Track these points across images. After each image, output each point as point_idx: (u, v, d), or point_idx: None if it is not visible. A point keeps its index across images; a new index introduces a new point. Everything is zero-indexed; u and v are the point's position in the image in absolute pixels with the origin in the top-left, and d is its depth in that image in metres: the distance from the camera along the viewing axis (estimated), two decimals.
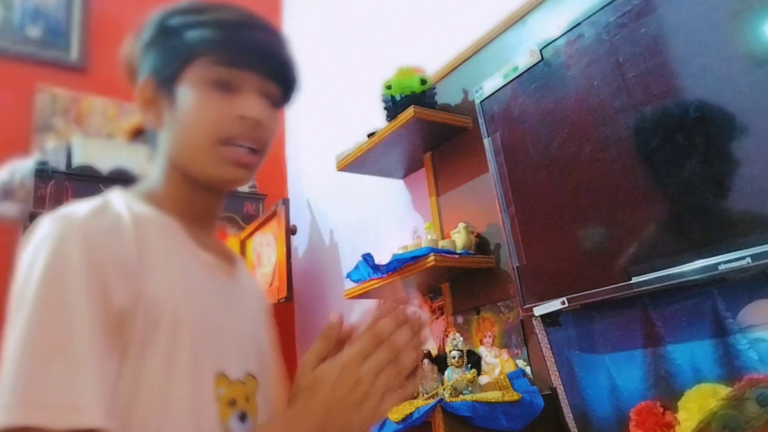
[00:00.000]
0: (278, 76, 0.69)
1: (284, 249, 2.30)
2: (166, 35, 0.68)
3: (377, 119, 1.93)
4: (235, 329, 0.68)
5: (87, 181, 2.12)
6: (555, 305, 1.32)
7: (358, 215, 2.42)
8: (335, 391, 0.57)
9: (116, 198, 0.66)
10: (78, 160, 2.19)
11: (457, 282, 1.82)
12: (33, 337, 0.51)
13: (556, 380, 1.43)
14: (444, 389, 1.49)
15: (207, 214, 0.72)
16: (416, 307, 0.65)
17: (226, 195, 0.73)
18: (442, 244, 1.69)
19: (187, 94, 0.65)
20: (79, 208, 0.61)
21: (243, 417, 0.63)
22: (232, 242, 2.56)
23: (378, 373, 0.58)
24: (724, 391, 1.07)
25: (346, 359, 0.58)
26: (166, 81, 0.67)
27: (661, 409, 1.18)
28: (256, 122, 0.65)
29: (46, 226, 0.58)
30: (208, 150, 0.65)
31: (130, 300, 0.56)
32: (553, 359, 1.44)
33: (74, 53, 2.66)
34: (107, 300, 0.54)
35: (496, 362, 1.59)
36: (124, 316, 0.55)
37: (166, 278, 0.60)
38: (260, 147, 0.68)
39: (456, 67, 1.91)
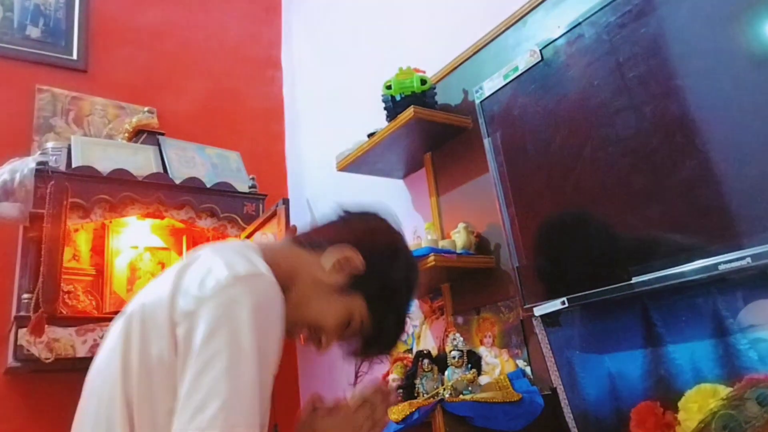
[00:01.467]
0: (367, 353, 0.91)
1: None
2: (396, 288, 0.85)
3: (377, 119, 1.93)
4: None
5: (87, 181, 2.11)
6: (555, 305, 1.32)
7: None
8: None
9: (261, 262, 0.75)
10: (78, 160, 2.19)
11: (457, 282, 1.82)
12: (245, 376, 0.62)
13: (556, 380, 1.43)
14: (444, 389, 1.49)
15: None
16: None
17: None
18: (442, 244, 1.69)
19: (346, 302, 0.81)
20: (261, 269, 0.71)
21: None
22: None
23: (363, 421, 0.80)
24: (724, 391, 1.07)
25: (350, 415, 0.80)
26: (358, 285, 0.81)
27: (661, 409, 1.18)
28: (320, 350, 0.84)
29: (241, 280, 0.67)
30: (299, 320, 0.80)
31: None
32: (553, 359, 1.44)
33: (74, 53, 2.66)
34: (275, 358, 0.67)
35: (496, 362, 1.59)
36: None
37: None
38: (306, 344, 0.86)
39: (456, 67, 1.91)
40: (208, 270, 0.69)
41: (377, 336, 0.84)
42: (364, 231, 0.86)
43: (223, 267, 0.68)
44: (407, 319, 0.91)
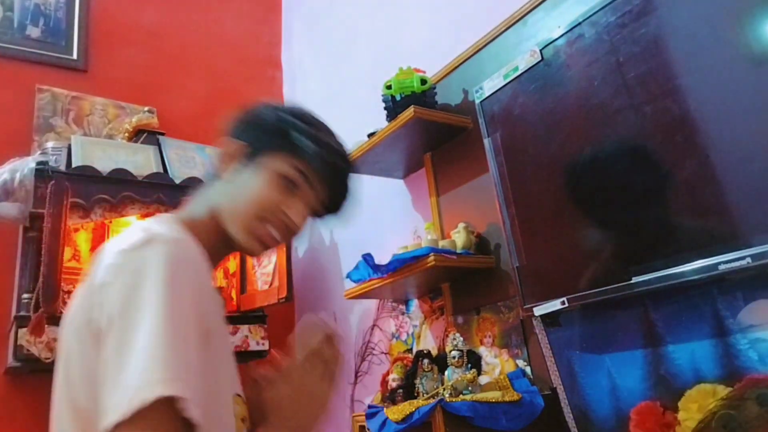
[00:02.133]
0: (330, 210, 0.85)
1: (284, 249, 2.30)
2: (285, 124, 0.80)
3: (377, 119, 1.93)
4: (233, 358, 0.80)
5: (87, 181, 2.11)
6: (555, 305, 1.32)
7: (358, 215, 2.41)
8: (298, 404, 0.74)
9: (178, 227, 0.74)
10: (78, 160, 2.19)
11: (457, 282, 1.82)
12: (168, 333, 0.58)
13: (556, 380, 1.43)
14: (444, 389, 1.49)
15: (220, 260, 0.83)
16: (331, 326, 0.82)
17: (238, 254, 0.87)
18: (442, 244, 1.69)
19: (260, 172, 0.78)
20: (168, 230, 0.70)
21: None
22: None
23: (321, 381, 0.77)
24: (724, 391, 1.07)
25: (300, 377, 0.76)
26: (256, 153, 0.80)
27: (661, 409, 1.18)
28: (295, 229, 0.80)
29: (149, 244, 0.64)
30: (247, 220, 0.77)
31: (208, 323, 0.67)
32: (553, 359, 1.44)
33: (74, 53, 2.66)
34: (203, 318, 0.64)
35: (496, 362, 1.59)
36: (207, 335, 0.65)
37: (213, 308, 0.72)
38: (285, 240, 0.82)
39: (456, 67, 1.91)
40: (103, 256, 0.67)
41: (324, 173, 0.80)
42: (234, 121, 0.85)
43: (117, 244, 0.66)
44: (343, 151, 0.84)
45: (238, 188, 0.79)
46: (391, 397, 1.64)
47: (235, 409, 0.73)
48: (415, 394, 1.57)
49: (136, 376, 0.55)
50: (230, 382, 0.75)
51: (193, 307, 0.63)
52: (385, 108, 1.86)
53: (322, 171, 0.80)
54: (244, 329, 2.36)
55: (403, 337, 2.03)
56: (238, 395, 0.76)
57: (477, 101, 1.60)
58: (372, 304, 2.21)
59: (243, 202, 0.78)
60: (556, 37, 1.38)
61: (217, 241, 0.79)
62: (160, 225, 0.71)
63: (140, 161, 2.34)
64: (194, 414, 0.56)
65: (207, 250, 0.74)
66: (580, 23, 1.32)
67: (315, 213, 0.84)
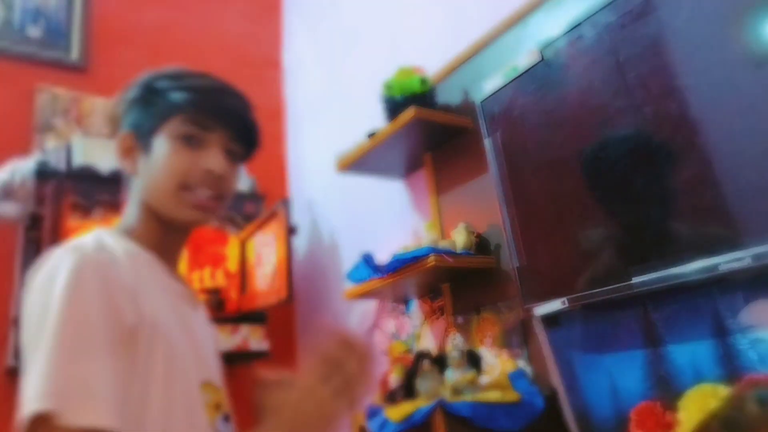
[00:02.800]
0: (242, 137, 0.81)
1: (284, 249, 2.30)
2: (149, 94, 0.79)
3: (377, 119, 1.93)
4: (207, 346, 0.81)
5: (87, 181, 2.11)
6: (555, 305, 1.32)
7: (359, 215, 2.42)
8: (300, 411, 0.67)
9: (104, 236, 0.76)
10: (78, 160, 2.19)
11: (457, 282, 1.82)
12: (60, 346, 0.59)
13: (556, 380, 1.43)
14: (444, 389, 1.49)
15: (174, 249, 0.83)
16: (365, 340, 0.76)
17: (190, 233, 0.84)
18: (442, 244, 1.69)
19: (161, 146, 0.77)
20: (85, 242, 0.70)
21: (227, 418, 0.75)
22: (233, 242, 2.56)
23: (334, 396, 0.68)
24: (724, 391, 1.07)
25: (309, 384, 0.68)
26: (144, 134, 0.79)
27: (661, 409, 1.18)
28: (219, 176, 0.77)
29: (61, 256, 0.66)
30: (173, 194, 0.76)
31: (136, 319, 0.66)
32: (553, 359, 1.44)
33: (74, 53, 2.66)
34: (119, 320, 0.64)
35: (496, 362, 1.59)
36: (134, 333, 0.65)
37: (157, 303, 0.71)
38: (221, 196, 0.79)
39: (456, 68, 1.91)
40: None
41: (210, 109, 0.78)
42: (113, 117, 0.87)
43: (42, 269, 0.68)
44: (209, 78, 0.82)
45: (150, 173, 0.78)
46: (391, 398, 1.64)
47: (205, 397, 0.73)
48: (415, 395, 1.57)
49: (26, 391, 0.59)
50: (194, 371, 0.73)
51: (101, 314, 0.62)
52: (385, 108, 1.86)
53: (207, 108, 0.78)
54: (244, 329, 2.36)
55: (403, 337, 2.03)
56: (208, 383, 0.75)
57: (477, 101, 1.60)
58: (372, 304, 2.21)
59: (160, 181, 0.76)
60: (557, 37, 1.38)
61: (161, 234, 0.79)
62: (86, 237, 0.73)
63: None
64: (83, 423, 0.56)
65: (155, 247, 0.78)
66: (580, 24, 1.32)
67: (235, 151, 0.81)
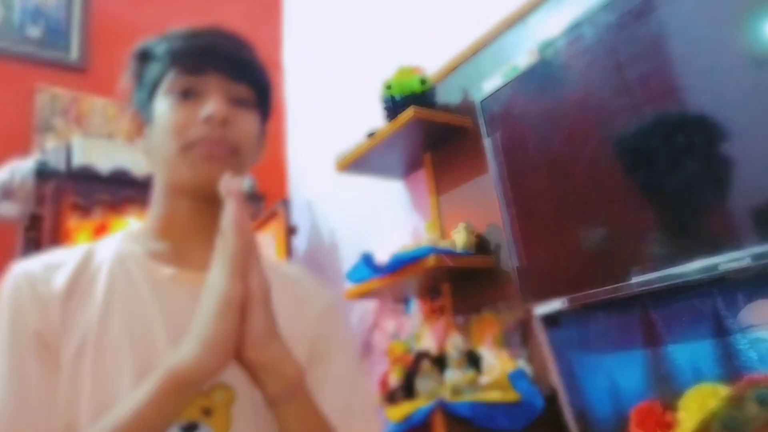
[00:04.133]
0: (241, 77, 0.71)
1: (284, 249, 2.30)
2: (139, 62, 0.74)
3: (377, 119, 1.93)
4: None
5: (87, 181, 2.11)
6: (555, 305, 1.32)
7: (358, 215, 2.42)
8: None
9: (100, 242, 0.73)
10: (78, 160, 2.19)
11: (457, 282, 1.82)
12: None
13: (556, 380, 1.43)
14: (444, 389, 1.49)
15: (200, 225, 0.72)
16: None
17: (216, 202, 0.66)
18: (443, 244, 1.69)
19: (158, 108, 0.69)
20: (36, 258, 0.69)
21: (191, 428, 0.63)
22: None
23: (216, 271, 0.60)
24: (724, 391, 1.07)
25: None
26: (144, 105, 0.71)
27: (661, 409, 1.18)
28: (221, 121, 0.66)
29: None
30: (178, 155, 0.67)
31: (48, 325, 0.62)
32: (553, 359, 1.44)
33: (74, 53, 2.66)
34: (23, 329, 0.62)
35: (496, 362, 1.59)
36: (48, 341, 0.62)
37: (100, 307, 0.65)
38: (232, 146, 0.68)
39: (456, 67, 1.91)
40: None
41: (197, 56, 0.70)
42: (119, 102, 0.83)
43: None
44: (189, 29, 0.75)
45: (154, 141, 0.70)
46: (390, 398, 1.64)
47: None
48: (415, 395, 1.57)
49: None
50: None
51: (7, 328, 0.62)
52: (385, 108, 1.86)
53: (194, 52, 0.69)
54: None
55: (403, 337, 2.03)
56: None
57: (477, 101, 1.60)
58: (372, 304, 2.21)
59: (163, 145, 0.68)
60: (556, 37, 1.38)
61: (180, 210, 0.71)
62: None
63: (140, 161, 2.34)
64: None
65: (176, 227, 0.71)
66: (580, 23, 1.32)
67: (242, 97, 0.71)
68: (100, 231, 2.42)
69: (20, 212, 2.05)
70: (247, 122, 0.71)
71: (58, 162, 2.15)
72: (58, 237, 1.95)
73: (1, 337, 0.62)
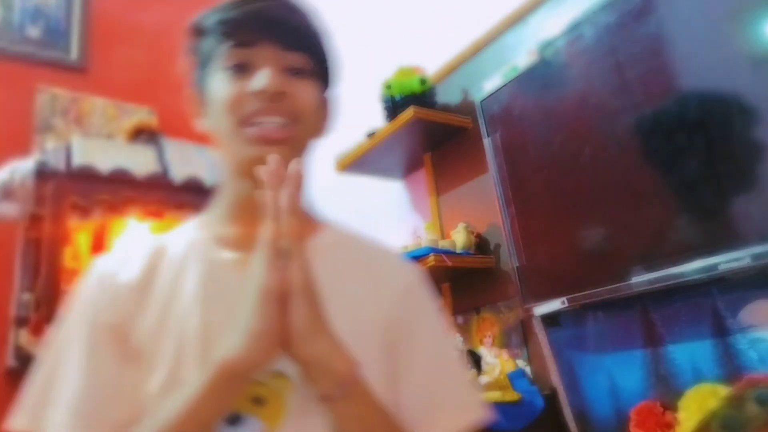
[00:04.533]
0: (296, 45, 0.65)
1: None
2: (193, 39, 0.69)
3: (377, 119, 1.93)
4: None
5: (87, 181, 2.11)
6: (555, 305, 1.32)
7: (358, 215, 2.41)
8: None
9: (174, 230, 0.73)
10: (78, 160, 2.19)
11: (457, 282, 1.82)
12: (42, 362, 0.64)
13: (556, 380, 1.43)
14: None
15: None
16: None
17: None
18: (442, 244, 1.69)
19: (212, 85, 0.66)
20: (111, 253, 0.71)
21: (235, 419, 0.58)
22: None
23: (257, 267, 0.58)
24: (724, 391, 1.07)
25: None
26: (201, 84, 0.68)
27: (661, 409, 1.18)
28: (274, 94, 0.62)
29: None
30: (234, 133, 0.63)
31: (122, 318, 0.62)
32: (553, 359, 1.44)
33: (74, 53, 2.66)
34: (98, 321, 0.62)
35: (496, 362, 1.59)
36: (122, 330, 0.62)
37: (166, 297, 0.64)
38: (289, 118, 0.64)
39: (456, 67, 1.91)
40: None
41: (246, 23, 0.65)
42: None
43: None
44: None
45: (214, 122, 0.67)
46: None
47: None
48: None
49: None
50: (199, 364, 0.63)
51: (80, 322, 0.63)
52: (385, 108, 1.86)
53: (242, 21, 0.64)
54: None
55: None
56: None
57: (477, 101, 1.60)
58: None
59: (219, 123, 0.65)
60: (556, 37, 1.38)
61: (251, 192, 0.64)
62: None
63: (140, 161, 2.34)
64: None
65: (249, 208, 0.64)
66: (580, 23, 1.32)
67: (298, 66, 0.65)
68: (100, 231, 2.42)
69: (20, 212, 2.05)
70: (304, 92, 0.66)
71: (58, 162, 2.15)
72: (57, 237, 1.95)
73: (76, 331, 0.63)
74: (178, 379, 0.59)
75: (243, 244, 0.66)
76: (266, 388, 0.59)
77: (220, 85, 0.64)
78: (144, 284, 0.65)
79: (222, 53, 0.64)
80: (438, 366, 0.70)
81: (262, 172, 0.57)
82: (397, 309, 0.70)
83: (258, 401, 0.59)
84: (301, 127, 0.66)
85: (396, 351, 0.67)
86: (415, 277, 0.76)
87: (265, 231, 0.56)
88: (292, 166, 0.57)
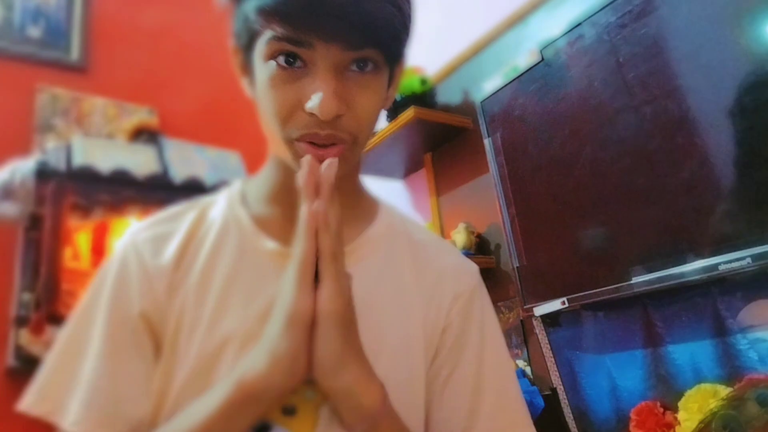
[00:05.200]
0: (361, 42, 0.51)
1: None
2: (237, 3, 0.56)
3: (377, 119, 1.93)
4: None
5: (87, 181, 2.11)
6: (555, 305, 1.32)
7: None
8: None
9: (215, 200, 0.66)
10: (78, 160, 2.19)
11: None
12: (61, 342, 0.58)
13: (556, 380, 1.43)
14: None
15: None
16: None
17: None
18: None
19: (259, 71, 0.55)
20: (151, 217, 0.64)
21: (262, 430, 0.54)
22: None
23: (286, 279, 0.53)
24: (724, 391, 1.07)
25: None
26: (243, 49, 0.57)
27: (661, 409, 1.18)
28: (327, 121, 0.52)
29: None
30: (284, 142, 0.55)
31: (154, 308, 0.58)
32: (553, 359, 1.44)
33: (74, 53, 2.66)
34: (127, 307, 0.57)
35: None
36: (151, 321, 0.57)
37: (197, 284, 0.59)
38: (347, 137, 0.54)
39: (456, 67, 1.91)
40: None
41: (301, 8, 0.49)
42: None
43: None
44: None
45: (260, 106, 0.58)
46: None
47: None
48: None
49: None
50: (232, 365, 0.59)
51: (106, 306, 0.58)
52: (385, 108, 1.86)
53: (293, 19, 0.49)
54: None
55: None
56: None
57: (477, 101, 1.60)
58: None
59: (266, 121, 0.57)
60: (557, 37, 1.38)
61: (282, 178, 0.61)
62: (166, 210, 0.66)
63: (140, 161, 2.34)
64: (65, 424, 0.55)
65: (294, 192, 0.54)
66: (580, 24, 1.32)
67: (366, 56, 0.53)
68: (100, 231, 2.42)
69: (20, 212, 2.05)
70: (368, 101, 0.55)
71: (58, 162, 2.15)
72: (58, 237, 1.95)
73: (102, 315, 0.57)
74: (210, 377, 0.55)
75: (285, 230, 0.60)
76: (298, 398, 0.55)
77: (266, 80, 0.53)
78: (179, 265, 0.59)
79: (266, 39, 0.52)
80: (481, 386, 0.65)
81: (300, 180, 0.51)
82: (450, 316, 0.66)
83: (288, 411, 0.55)
84: (358, 148, 0.57)
85: (440, 360, 0.64)
86: (474, 283, 0.71)
87: (297, 249, 0.50)
88: (330, 172, 0.51)
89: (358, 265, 0.60)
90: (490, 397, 0.65)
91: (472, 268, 0.73)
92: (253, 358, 0.51)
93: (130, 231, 0.63)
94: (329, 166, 0.51)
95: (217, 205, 0.66)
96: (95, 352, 0.56)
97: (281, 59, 0.52)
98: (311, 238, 0.50)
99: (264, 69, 0.54)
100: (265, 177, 0.65)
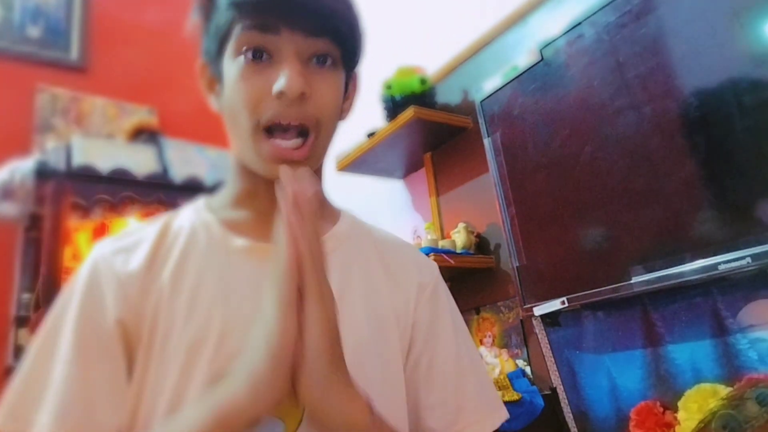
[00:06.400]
0: (322, 31, 0.58)
1: None
2: (207, 9, 0.61)
3: (377, 119, 1.93)
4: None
5: (87, 181, 2.11)
6: (555, 305, 1.32)
7: (358, 215, 2.42)
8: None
9: (179, 212, 0.67)
10: (78, 160, 2.18)
11: (457, 282, 1.82)
12: (30, 356, 0.57)
13: (556, 380, 1.43)
14: None
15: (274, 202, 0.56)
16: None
17: None
18: (442, 244, 1.69)
19: (228, 69, 0.59)
20: (113, 235, 0.65)
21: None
22: None
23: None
24: (724, 391, 1.07)
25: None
26: (213, 59, 0.62)
27: (661, 409, 1.18)
28: (295, 99, 0.56)
29: None
30: (251, 139, 0.58)
31: (128, 313, 0.57)
32: (553, 359, 1.44)
33: (74, 53, 2.66)
34: (99, 317, 0.57)
35: (496, 362, 1.59)
36: (126, 327, 0.57)
37: (169, 285, 0.59)
38: (310, 123, 0.58)
39: (456, 67, 1.91)
40: None
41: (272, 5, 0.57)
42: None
43: None
44: None
45: (227, 110, 0.61)
46: None
47: None
48: None
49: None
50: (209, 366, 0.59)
51: (76, 317, 0.56)
52: (385, 108, 1.86)
53: (262, 8, 0.57)
54: None
55: None
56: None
57: (477, 101, 1.60)
58: None
59: (233, 120, 0.60)
60: (556, 37, 1.38)
61: (264, 185, 0.62)
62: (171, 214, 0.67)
63: (140, 161, 2.34)
64: None
65: (250, 202, 0.63)
66: (580, 23, 1.32)
67: (327, 52, 0.59)
68: (100, 231, 2.42)
69: (20, 212, 2.05)
70: (328, 89, 0.60)
71: (58, 162, 2.15)
72: (57, 237, 1.95)
73: (70, 326, 0.56)
74: (189, 378, 0.55)
75: (254, 230, 0.62)
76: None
77: (236, 75, 0.58)
78: (149, 270, 0.60)
79: (237, 34, 0.57)
80: (456, 374, 0.68)
81: (279, 196, 0.52)
82: (417, 311, 0.69)
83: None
84: (323, 133, 0.60)
85: (414, 354, 0.67)
86: (436, 277, 0.75)
87: (279, 266, 0.50)
88: (309, 188, 0.52)
89: (327, 256, 0.59)
90: (472, 377, 0.69)
91: (431, 263, 0.77)
92: (232, 381, 0.50)
93: (96, 247, 0.63)
94: (305, 179, 0.53)
95: (182, 215, 0.67)
96: (64, 362, 0.55)
97: (249, 54, 0.57)
98: (293, 258, 0.49)
99: (233, 67, 0.58)
100: (229, 185, 0.67)
